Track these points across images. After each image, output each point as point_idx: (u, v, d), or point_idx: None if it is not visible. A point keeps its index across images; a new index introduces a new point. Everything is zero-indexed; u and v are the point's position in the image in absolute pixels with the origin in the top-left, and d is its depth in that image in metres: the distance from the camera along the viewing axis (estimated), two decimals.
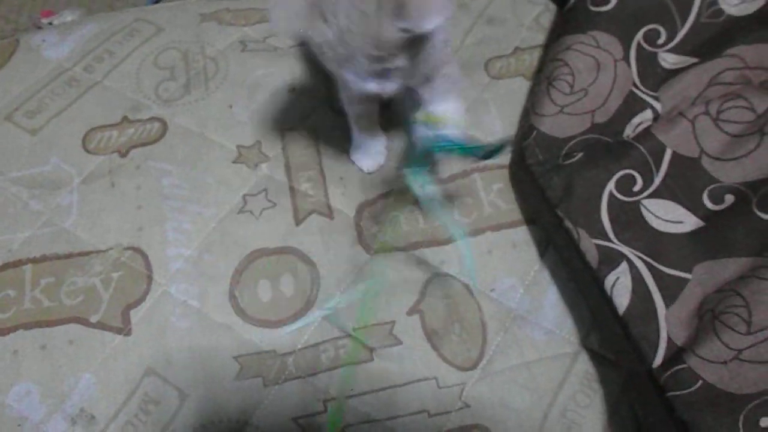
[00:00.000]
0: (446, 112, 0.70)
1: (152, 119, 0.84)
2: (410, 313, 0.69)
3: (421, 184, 0.66)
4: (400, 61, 0.57)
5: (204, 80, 0.88)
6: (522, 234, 0.74)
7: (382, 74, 0.58)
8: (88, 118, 0.84)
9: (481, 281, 0.71)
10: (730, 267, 0.62)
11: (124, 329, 0.69)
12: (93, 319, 0.69)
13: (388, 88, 0.60)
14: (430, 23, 0.52)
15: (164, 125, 0.83)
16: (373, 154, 0.78)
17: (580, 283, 0.69)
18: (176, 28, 0.94)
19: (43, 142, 0.82)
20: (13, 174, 0.79)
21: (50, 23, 1.04)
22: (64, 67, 0.90)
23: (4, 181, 0.79)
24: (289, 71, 0.88)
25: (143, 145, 0.81)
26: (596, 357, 0.67)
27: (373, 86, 0.59)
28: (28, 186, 0.78)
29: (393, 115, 0.80)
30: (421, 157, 0.66)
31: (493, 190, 0.77)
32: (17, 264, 0.73)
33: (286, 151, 0.81)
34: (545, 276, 0.72)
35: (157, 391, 0.66)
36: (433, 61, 0.64)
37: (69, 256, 0.73)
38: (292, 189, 0.78)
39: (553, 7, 0.94)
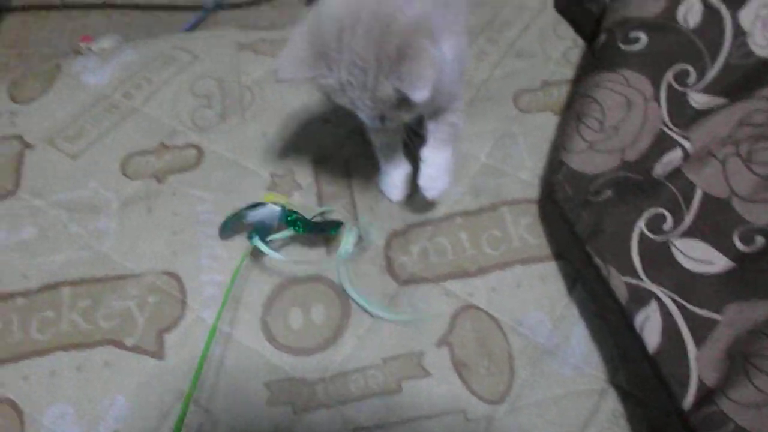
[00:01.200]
0: (431, 162, 0.72)
1: (188, 146, 0.86)
2: (439, 345, 0.70)
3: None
4: (394, 115, 0.62)
5: (240, 109, 0.90)
6: (550, 268, 0.75)
7: (383, 119, 0.63)
8: (127, 144, 0.87)
9: (509, 315, 0.72)
10: (761, 309, 0.62)
11: (159, 353, 0.70)
12: (128, 342, 0.71)
13: (391, 126, 0.65)
14: (418, 95, 0.55)
15: (200, 152, 0.86)
16: (399, 183, 0.80)
17: (608, 320, 0.69)
18: (213, 56, 0.97)
19: (83, 167, 0.85)
20: (54, 197, 0.82)
21: (89, 48, 1.07)
22: (104, 93, 0.93)
23: (45, 204, 0.81)
24: (322, 101, 0.90)
25: (180, 171, 0.84)
26: (624, 395, 0.67)
27: (377, 124, 0.64)
28: (68, 209, 0.81)
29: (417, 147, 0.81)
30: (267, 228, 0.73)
31: (521, 224, 0.78)
32: (56, 286, 0.75)
33: (319, 180, 0.83)
34: (573, 311, 0.72)
35: (188, 415, 0.67)
36: (443, 91, 0.65)
37: (106, 279, 0.75)
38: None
39: (581, 42, 0.95)
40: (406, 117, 0.64)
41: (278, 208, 0.73)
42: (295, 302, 0.73)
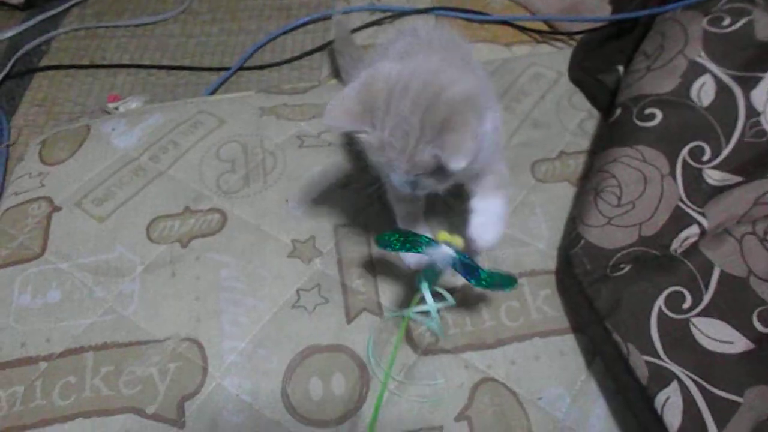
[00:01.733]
0: (480, 220, 0.71)
1: (212, 210, 0.88)
2: (458, 419, 0.70)
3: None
4: (426, 182, 0.63)
5: (262, 174, 0.92)
6: (569, 342, 0.75)
7: (415, 185, 0.64)
8: (153, 207, 0.89)
9: (528, 388, 0.72)
10: None
11: (179, 421, 0.70)
12: (149, 410, 0.71)
13: (421, 195, 0.66)
14: (456, 164, 0.57)
15: (224, 216, 0.87)
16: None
17: (628, 398, 0.69)
18: (237, 121, 1.00)
19: (110, 230, 0.86)
20: (81, 260, 0.84)
21: (116, 108, 1.10)
22: (131, 156, 0.95)
23: (71, 267, 0.83)
24: (343, 167, 0.92)
25: (203, 236, 0.85)
26: None
27: (407, 190, 0.65)
28: (93, 273, 0.82)
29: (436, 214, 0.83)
30: (436, 273, 0.68)
31: (540, 296, 0.78)
32: (80, 351, 0.76)
33: (339, 246, 0.84)
34: (592, 386, 0.72)
35: None
36: (480, 162, 0.67)
37: (129, 344, 0.76)
38: (344, 285, 0.81)
39: (596, 113, 0.98)
40: (439, 187, 0.65)
41: (453, 252, 0.67)
42: (315, 372, 0.73)
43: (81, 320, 0.78)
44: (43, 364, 0.75)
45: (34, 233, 0.87)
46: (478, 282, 0.66)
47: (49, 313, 0.79)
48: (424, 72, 0.60)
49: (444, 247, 0.67)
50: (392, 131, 0.59)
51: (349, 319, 0.78)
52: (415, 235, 0.70)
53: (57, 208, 0.89)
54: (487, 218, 0.70)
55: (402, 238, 0.70)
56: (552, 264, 0.81)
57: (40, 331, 0.77)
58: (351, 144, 0.93)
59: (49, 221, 0.88)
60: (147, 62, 1.24)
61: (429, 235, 0.71)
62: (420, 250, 0.68)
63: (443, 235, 0.68)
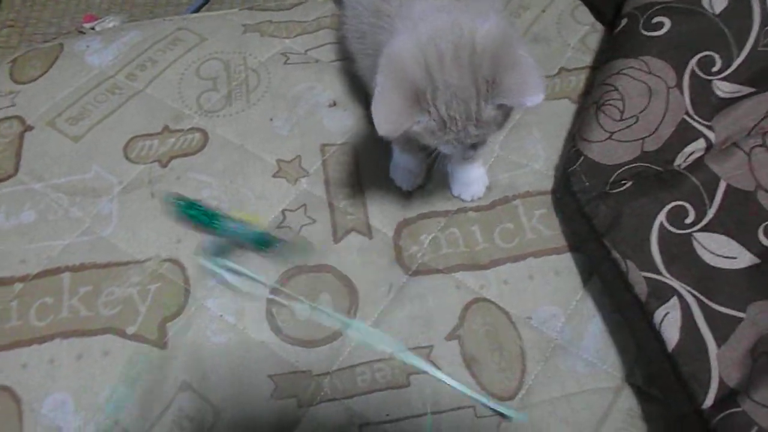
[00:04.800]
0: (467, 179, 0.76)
1: (193, 129, 0.84)
2: (449, 338, 0.68)
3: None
4: (494, 132, 0.61)
5: (245, 92, 0.87)
6: (565, 261, 0.72)
7: (475, 146, 0.62)
8: (130, 127, 0.84)
9: (521, 308, 0.70)
10: None
11: (160, 342, 0.68)
12: (129, 331, 0.69)
13: (470, 154, 0.64)
14: (534, 100, 0.54)
15: (205, 136, 0.83)
16: (412, 173, 0.77)
17: (625, 316, 0.67)
18: (219, 38, 0.94)
19: (85, 150, 0.82)
20: (55, 180, 0.80)
21: (92, 28, 1.05)
22: (107, 74, 0.90)
23: (45, 187, 0.79)
24: (330, 85, 0.88)
25: (184, 155, 0.81)
26: (641, 393, 0.65)
27: (471, 154, 0.64)
28: (69, 193, 0.79)
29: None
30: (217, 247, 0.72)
31: (535, 216, 0.75)
32: (56, 272, 0.73)
33: (326, 166, 0.81)
34: (588, 306, 0.70)
35: (191, 406, 0.65)
36: None
37: (107, 265, 0.73)
38: (331, 206, 0.77)
39: (600, 27, 0.92)
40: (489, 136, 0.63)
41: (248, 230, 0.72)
42: (301, 292, 0.71)
43: (57, 241, 0.75)
44: (18, 285, 0.72)
45: (5, 153, 0.82)
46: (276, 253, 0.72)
47: (23, 234, 0.75)
48: (444, 32, 0.56)
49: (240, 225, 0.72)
50: (448, 106, 0.56)
51: (336, 239, 0.74)
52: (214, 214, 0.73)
53: (29, 128, 0.85)
54: (468, 177, 0.76)
55: (204, 210, 0.74)
56: (548, 184, 0.77)
57: (14, 252, 0.74)
58: (346, 61, 0.88)
59: (21, 141, 0.83)
60: None
61: None
62: (216, 225, 0.72)
63: (243, 214, 0.74)
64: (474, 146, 0.61)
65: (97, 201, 0.78)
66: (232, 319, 0.70)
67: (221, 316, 0.70)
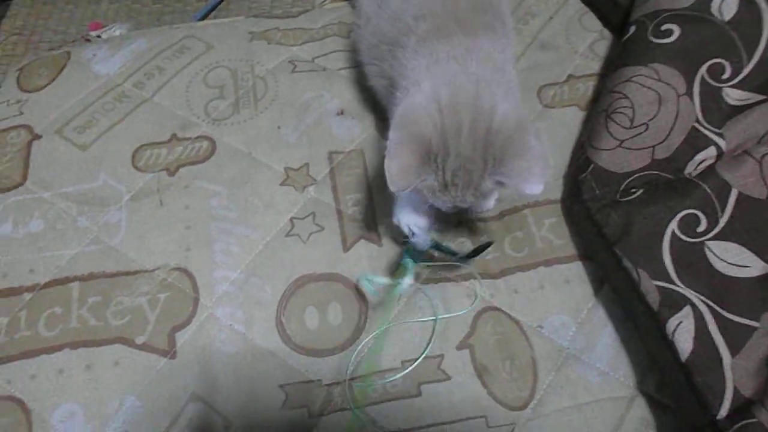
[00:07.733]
0: None
1: (201, 138, 0.84)
2: (460, 347, 0.68)
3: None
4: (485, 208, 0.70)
5: (253, 100, 0.87)
6: (576, 270, 0.72)
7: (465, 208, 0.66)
8: (138, 135, 0.84)
9: (531, 317, 0.69)
10: None
11: (170, 352, 0.68)
12: (139, 341, 0.69)
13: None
14: (533, 189, 0.57)
15: (213, 144, 0.83)
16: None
17: (637, 325, 0.67)
18: (226, 46, 0.94)
19: (93, 158, 0.82)
20: (63, 189, 0.80)
21: (99, 36, 1.05)
22: (114, 82, 0.90)
23: (53, 196, 0.79)
24: (338, 93, 0.88)
25: (192, 164, 0.81)
26: (653, 402, 0.64)
27: (450, 210, 0.67)
28: (77, 202, 0.78)
29: None
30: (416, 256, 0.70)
31: (545, 225, 0.75)
32: (65, 281, 0.72)
33: (334, 174, 0.80)
34: (600, 314, 0.69)
35: (201, 417, 0.65)
36: None
37: (116, 275, 0.73)
38: (339, 213, 0.77)
39: (608, 34, 0.92)
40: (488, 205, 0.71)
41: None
42: (311, 301, 0.70)
43: (65, 250, 0.75)
44: (27, 295, 0.72)
45: (13, 162, 0.82)
46: (461, 258, 0.70)
47: (31, 243, 0.75)
48: (467, 102, 0.60)
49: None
50: (455, 172, 0.60)
51: (346, 248, 0.74)
52: None
53: (37, 136, 0.85)
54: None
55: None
56: (557, 193, 0.77)
57: (22, 262, 0.74)
58: (356, 69, 0.88)
59: (29, 149, 0.83)
60: None
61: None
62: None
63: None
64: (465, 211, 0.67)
65: (106, 210, 0.78)
66: (241, 328, 0.69)
67: (231, 325, 0.69)
